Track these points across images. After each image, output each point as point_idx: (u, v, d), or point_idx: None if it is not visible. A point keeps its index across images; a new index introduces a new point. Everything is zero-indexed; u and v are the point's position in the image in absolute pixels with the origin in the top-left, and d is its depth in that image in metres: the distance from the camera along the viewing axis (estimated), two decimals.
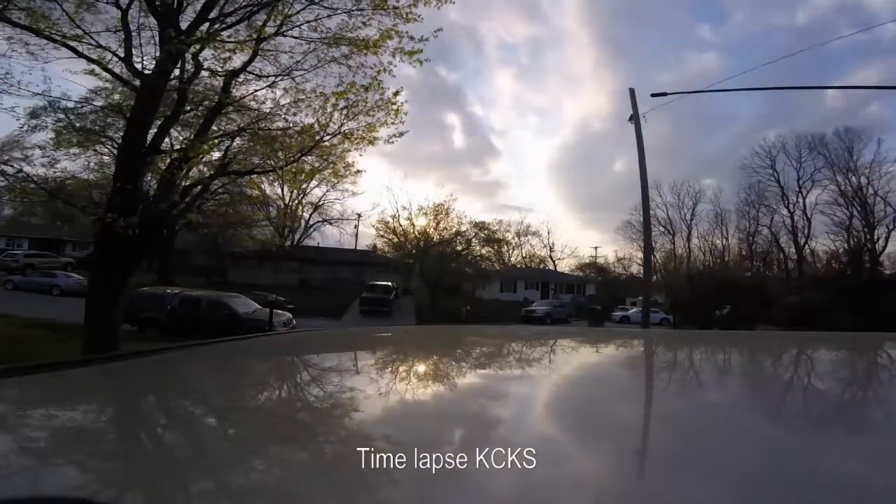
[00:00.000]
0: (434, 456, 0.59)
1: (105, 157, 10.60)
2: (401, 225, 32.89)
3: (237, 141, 9.01)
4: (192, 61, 7.69)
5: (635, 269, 45.08)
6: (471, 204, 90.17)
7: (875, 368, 1.29)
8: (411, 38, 7.50)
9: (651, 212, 17.34)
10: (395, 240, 33.26)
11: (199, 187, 8.55)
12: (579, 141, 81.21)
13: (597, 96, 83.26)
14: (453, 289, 31.46)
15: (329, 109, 7.97)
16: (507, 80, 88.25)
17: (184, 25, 7.17)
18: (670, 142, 67.93)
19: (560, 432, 0.71)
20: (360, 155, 8.51)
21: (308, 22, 7.66)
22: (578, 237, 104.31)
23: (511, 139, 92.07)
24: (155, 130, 7.69)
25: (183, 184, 8.08)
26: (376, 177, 79.70)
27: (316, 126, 8.13)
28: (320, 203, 39.72)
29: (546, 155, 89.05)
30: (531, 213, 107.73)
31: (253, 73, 8.14)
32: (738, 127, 68.38)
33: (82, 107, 8.82)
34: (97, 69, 7.63)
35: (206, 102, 8.54)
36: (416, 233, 32.60)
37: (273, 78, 8.15)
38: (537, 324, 22.92)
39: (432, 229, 32.26)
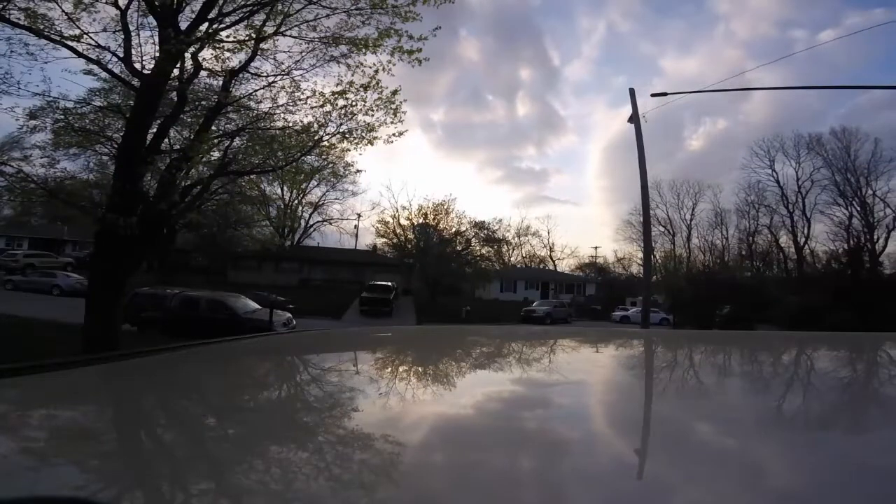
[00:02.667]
0: (434, 456, 0.59)
1: (105, 157, 10.59)
2: (400, 225, 32.99)
3: (237, 141, 9.02)
4: (191, 61, 7.69)
5: (635, 269, 45.14)
6: (509, 194, 77.64)
7: (875, 368, 1.29)
8: (410, 37, 7.51)
9: (651, 212, 17.35)
10: (395, 240, 33.33)
11: (199, 187, 8.55)
12: (663, 111, 72.67)
13: (724, 49, 66.44)
14: (453, 289, 31.49)
15: (328, 109, 7.98)
16: (615, 15, 70.69)
17: (183, 25, 7.17)
18: (786, 119, 60.64)
19: (560, 432, 0.71)
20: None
21: (307, 21, 7.67)
22: (606, 234, 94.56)
23: (584, 107, 76.87)
24: (154, 130, 7.69)
25: (183, 184, 8.08)
26: (412, 155, 71.53)
27: (315, 126, 8.14)
28: (320, 203, 39.81)
29: (617, 128, 72.09)
30: (575, 206, 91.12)
31: (252, 73, 8.16)
32: (863, 100, 60.25)
33: (81, 107, 8.82)
34: (96, 69, 7.64)
35: (206, 102, 8.55)
36: (416, 233, 32.65)
37: (272, 77, 8.17)
38: (537, 324, 22.93)
39: (432, 229, 32.32)
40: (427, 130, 77.77)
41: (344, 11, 7.53)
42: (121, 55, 7.24)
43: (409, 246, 32.90)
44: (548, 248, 52.29)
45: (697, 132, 72.88)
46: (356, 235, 42.06)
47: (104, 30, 7.40)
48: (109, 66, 7.51)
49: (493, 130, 77.77)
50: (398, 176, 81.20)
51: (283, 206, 36.51)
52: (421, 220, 32.64)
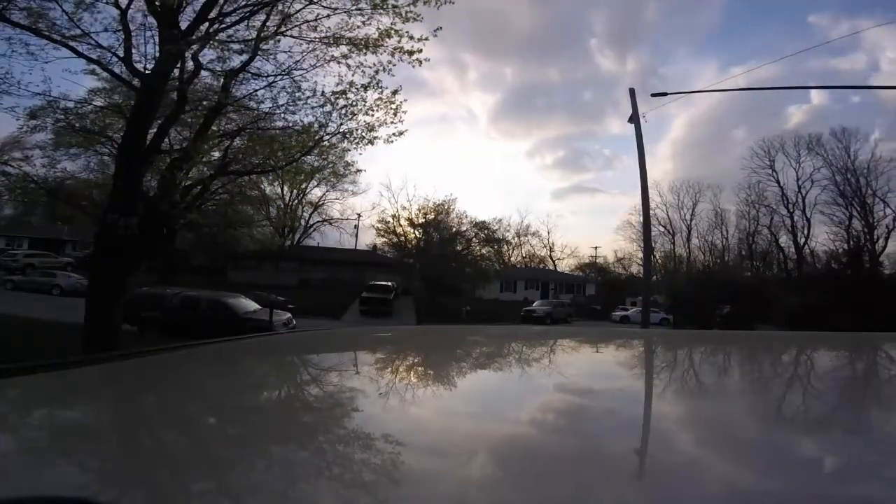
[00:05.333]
0: (434, 455, 0.59)
1: (105, 157, 10.61)
2: (401, 224, 33.00)
3: (237, 141, 9.02)
4: (191, 61, 7.69)
5: (635, 269, 45.01)
6: (554, 183, 70.56)
7: (875, 368, 1.29)
8: (411, 37, 7.52)
9: (651, 212, 17.35)
10: (395, 240, 33.34)
11: (199, 187, 8.56)
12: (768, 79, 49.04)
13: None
14: (453, 289, 31.46)
15: (328, 109, 7.99)
16: None
17: (183, 25, 7.17)
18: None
19: (561, 432, 0.71)
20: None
21: (308, 22, 7.68)
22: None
23: (696, 66, 61.38)
24: (155, 130, 7.70)
25: (183, 184, 8.08)
26: (463, 127, 64.27)
27: (315, 126, 8.15)
28: (320, 203, 39.77)
29: (708, 101, 61.50)
30: (629, 197, 76.84)
31: (252, 73, 8.16)
32: None
33: (82, 107, 8.82)
34: (97, 69, 7.64)
35: (206, 102, 8.55)
36: (416, 234, 32.67)
37: (272, 77, 8.17)
38: (537, 324, 22.92)
39: (432, 229, 32.32)
40: (490, 89, 64.89)
41: (344, 11, 7.55)
42: (121, 55, 7.25)
43: (409, 246, 32.91)
44: (548, 248, 52.33)
45: (803, 108, 61.94)
46: (356, 235, 42.05)
47: (105, 30, 7.40)
48: (110, 66, 7.52)
49: (574, 95, 64.10)
50: (436, 160, 72.04)
51: (283, 206, 36.51)
52: (422, 220, 32.67)
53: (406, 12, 7.43)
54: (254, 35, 7.54)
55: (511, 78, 66.00)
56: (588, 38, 64.49)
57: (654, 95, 15.18)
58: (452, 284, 31.33)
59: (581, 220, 72.99)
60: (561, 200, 75.02)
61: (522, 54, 63.78)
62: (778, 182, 43.30)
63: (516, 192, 77.05)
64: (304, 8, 7.57)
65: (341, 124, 8.12)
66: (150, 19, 7.35)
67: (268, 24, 7.58)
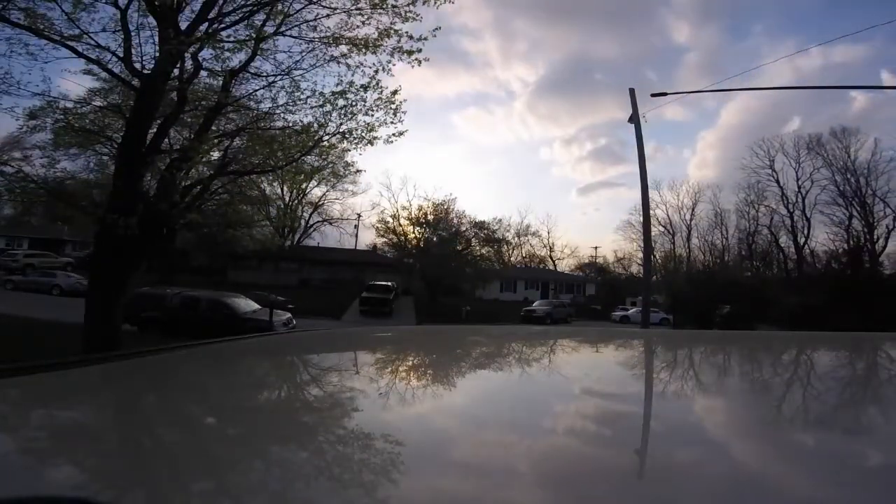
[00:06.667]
0: (434, 455, 0.59)
1: (105, 157, 10.59)
2: (400, 224, 33.01)
3: (237, 141, 9.02)
4: (191, 61, 7.69)
5: (635, 269, 45.02)
6: (582, 176, 66.32)
7: (875, 368, 1.29)
8: (410, 37, 7.52)
9: (651, 211, 17.34)
10: (395, 240, 33.35)
11: (199, 187, 8.55)
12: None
13: None
14: (453, 289, 31.47)
15: (328, 109, 7.99)
16: None
17: (183, 25, 7.17)
18: None
19: (560, 432, 0.71)
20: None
21: (307, 21, 7.68)
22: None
23: (774, 41, 57.05)
24: (155, 130, 7.69)
25: (183, 184, 8.07)
26: (500, 108, 61.95)
27: (315, 126, 8.14)
28: (320, 203, 39.77)
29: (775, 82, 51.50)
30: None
31: (252, 73, 8.16)
32: None
33: (81, 107, 8.81)
34: (96, 69, 7.64)
35: (206, 102, 8.54)
36: (416, 234, 32.68)
37: (272, 77, 8.16)
38: (537, 324, 22.91)
39: (432, 229, 32.33)
40: (537, 64, 58.14)
41: (344, 11, 7.54)
42: (121, 55, 7.24)
43: (409, 246, 32.94)
44: (548, 248, 52.38)
45: (870, 92, 58.14)
46: (356, 235, 42.04)
47: (104, 30, 7.40)
48: (109, 66, 7.51)
49: (632, 74, 57.17)
50: (457, 152, 69.30)
51: (283, 206, 36.50)
52: (423, 220, 32.70)
53: (406, 12, 7.44)
54: (253, 35, 7.54)
55: (563, 52, 60.54)
56: (660, 7, 58.83)
57: (654, 95, 15.20)
58: (452, 284, 31.34)
59: (605, 215, 71.52)
60: (586, 196, 72.28)
61: (583, 21, 57.72)
62: (778, 182, 43.36)
63: (540, 186, 74.66)
64: (303, 8, 7.58)
65: (341, 124, 8.12)
66: (150, 19, 7.36)
67: (267, 23, 7.59)
